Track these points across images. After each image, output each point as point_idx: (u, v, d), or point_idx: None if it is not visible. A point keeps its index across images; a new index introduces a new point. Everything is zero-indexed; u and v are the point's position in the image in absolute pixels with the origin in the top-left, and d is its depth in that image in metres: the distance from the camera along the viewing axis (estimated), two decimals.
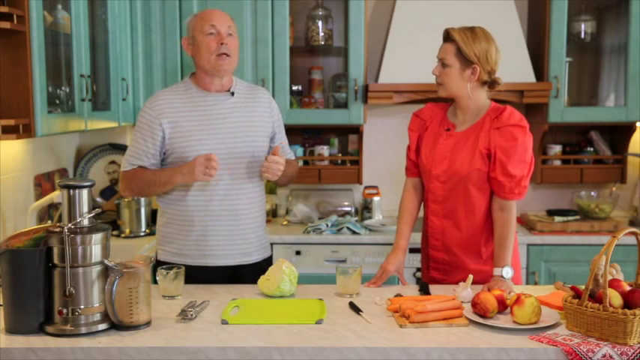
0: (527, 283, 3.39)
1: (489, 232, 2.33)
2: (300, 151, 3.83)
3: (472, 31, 2.26)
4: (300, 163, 3.68)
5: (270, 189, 3.77)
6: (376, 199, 3.79)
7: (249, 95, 2.50)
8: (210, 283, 2.33)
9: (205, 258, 2.40)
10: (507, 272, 2.18)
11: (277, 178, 2.37)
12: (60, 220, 1.96)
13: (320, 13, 3.71)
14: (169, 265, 2.19)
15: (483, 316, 1.89)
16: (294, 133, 3.82)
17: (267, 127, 2.50)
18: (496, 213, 2.28)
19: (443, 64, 2.29)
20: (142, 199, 3.32)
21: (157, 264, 2.44)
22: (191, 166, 2.26)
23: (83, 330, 1.80)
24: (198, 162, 2.24)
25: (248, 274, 2.39)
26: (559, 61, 3.56)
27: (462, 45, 2.24)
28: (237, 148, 2.40)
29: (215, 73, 2.40)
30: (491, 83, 2.31)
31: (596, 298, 1.79)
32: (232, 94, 2.45)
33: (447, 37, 2.30)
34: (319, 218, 3.71)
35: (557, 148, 3.81)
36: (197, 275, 2.34)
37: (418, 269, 3.28)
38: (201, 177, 2.25)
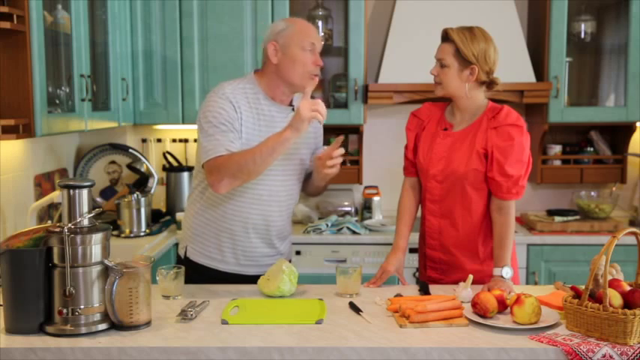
0: (527, 283, 3.39)
1: (487, 232, 2.33)
2: None
3: (470, 32, 2.26)
4: None
5: None
6: (376, 199, 3.79)
7: None
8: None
9: (239, 266, 2.40)
10: (507, 272, 2.18)
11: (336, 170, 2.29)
12: (60, 220, 1.96)
13: (320, 13, 3.71)
14: (169, 265, 2.19)
15: (483, 316, 1.89)
16: None
17: (313, 142, 2.47)
18: (494, 213, 2.28)
19: (441, 64, 2.29)
20: (142, 199, 3.32)
21: (186, 261, 2.43)
22: (297, 115, 2.13)
23: (83, 330, 1.80)
24: (304, 107, 2.12)
25: None
26: (559, 61, 3.56)
27: (461, 45, 2.23)
28: (290, 163, 2.37)
29: (299, 90, 2.33)
30: (489, 83, 2.31)
31: (596, 298, 1.79)
32: (293, 108, 2.38)
33: (446, 37, 2.30)
34: (319, 218, 3.71)
35: (557, 148, 3.81)
36: (228, 280, 2.35)
37: (418, 269, 3.28)
38: (310, 114, 2.12)
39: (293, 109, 2.37)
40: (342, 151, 2.26)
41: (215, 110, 2.24)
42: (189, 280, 2.31)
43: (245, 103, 2.29)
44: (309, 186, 2.54)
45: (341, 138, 2.28)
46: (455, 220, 2.34)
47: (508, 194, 2.25)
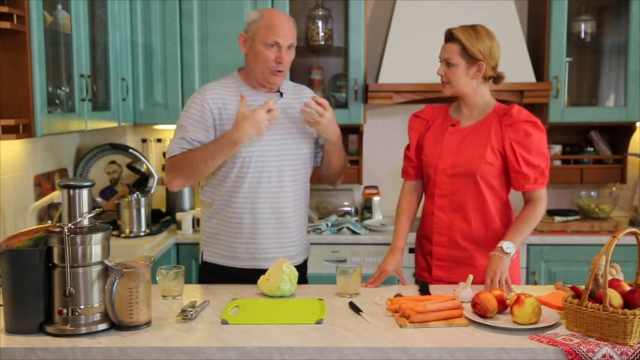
0: (527, 283, 3.39)
1: (499, 229, 2.33)
2: None
3: (474, 30, 2.29)
4: None
5: None
6: (376, 199, 3.78)
7: (296, 95, 2.48)
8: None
9: (255, 260, 2.39)
10: (508, 247, 2.19)
11: (322, 124, 2.33)
12: (60, 220, 1.96)
13: (320, 13, 3.71)
14: (169, 265, 2.19)
15: (483, 316, 1.89)
16: None
17: (312, 128, 2.46)
18: (526, 206, 2.32)
19: (448, 63, 2.31)
20: (142, 199, 3.32)
21: (203, 265, 2.46)
22: (251, 121, 2.23)
23: (83, 330, 1.80)
24: (256, 115, 2.23)
25: None
26: (559, 61, 3.56)
27: (467, 44, 2.26)
28: (286, 149, 2.38)
29: (265, 85, 2.38)
30: (495, 78, 2.35)
31: (596, 298, 1.79)
32: (281, 94, 2.42)
33: (450, 37, 2.32)
34: (319, 218, 3.71)
35: (557, 148, 3.81)
36: (246, 277, 2.33)
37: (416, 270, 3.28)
38: (261, 126, 2.24)
39: (281, 95, 2.42)
40: (322, 102, 2.33)
41: (186, 110, 2.38)
42: (207, 283, 2.34)
43: (227, 95, 2.36)
44: (325, 165, 2.53)
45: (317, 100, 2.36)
46: (466, 214, 2.34)
47: (536, 184, 2.30)
